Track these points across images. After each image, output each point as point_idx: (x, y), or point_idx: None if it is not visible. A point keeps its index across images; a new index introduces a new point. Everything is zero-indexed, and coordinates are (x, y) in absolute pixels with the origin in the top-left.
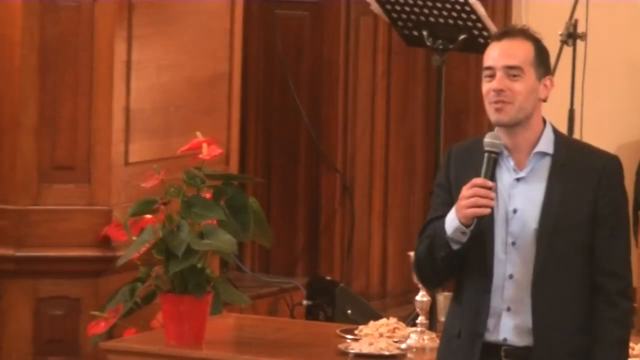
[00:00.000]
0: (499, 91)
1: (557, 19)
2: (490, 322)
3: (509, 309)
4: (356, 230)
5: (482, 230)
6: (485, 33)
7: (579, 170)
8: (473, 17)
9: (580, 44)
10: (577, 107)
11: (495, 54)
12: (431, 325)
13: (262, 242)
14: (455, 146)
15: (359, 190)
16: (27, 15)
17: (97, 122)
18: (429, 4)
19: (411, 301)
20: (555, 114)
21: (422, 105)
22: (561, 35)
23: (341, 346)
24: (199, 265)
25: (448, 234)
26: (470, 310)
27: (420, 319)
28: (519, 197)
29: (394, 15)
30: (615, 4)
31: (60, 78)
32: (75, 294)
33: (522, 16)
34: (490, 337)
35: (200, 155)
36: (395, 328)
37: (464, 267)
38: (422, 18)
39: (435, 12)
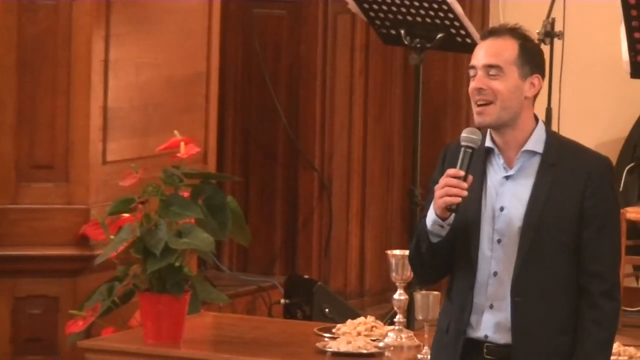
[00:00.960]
0: (479, 89)
1: (534, 17)
2: (474, 319)
3: (491, 306)
4: (334, 228)
5: (469, 226)
6: (462, 32)
7: (567, 170)
8: (450, 15)
9: (557, 42)
10: (554, 105)
11: (478, 53)
12: (409, 324)
13: (240, 240)
14: (450, 144)
15: (337, 189)
16: (5, 14)
17: (75, 121)
18: (407, 2)
19: (389, 300)
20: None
21: (400, 104)
22: (538, 34)
23: (319, 345)
24: (177, 264)
25: (428, 227)
26: (457, 306)
27: (398, 318)
28: (507, 195)
29: (372, 14)
30: (592, 3)
31: (38, 77)
32: (53, 292)
33: (499, 15)
34: (473, 333)
35: (178, 154)
36: (373, 326)
37: (454, 263)
38: (400, 17)
39: (412, 10)
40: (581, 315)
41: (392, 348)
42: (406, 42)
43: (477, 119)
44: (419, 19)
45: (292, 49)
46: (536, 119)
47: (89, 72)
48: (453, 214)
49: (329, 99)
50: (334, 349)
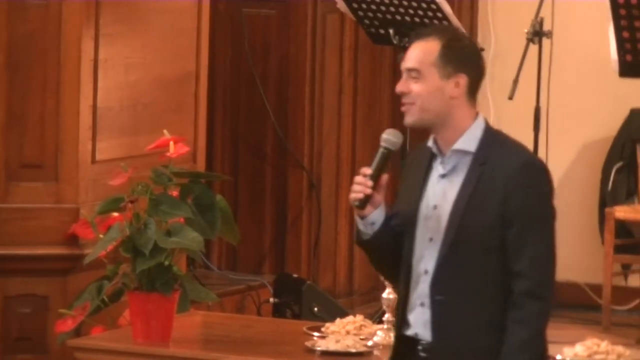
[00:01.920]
0: (400, 93)
1: (523, 17)
2: (409, 317)
3: (422, 304)
4: (323, 227)
5: (408, 225)
6: None
7: (493, 169)
8: (439, 15)
9: (546, 41)
10: (543, 104)
11: (405, 56)
12: None
13: (229, 239)
14: (412, 150)
15: (326, 188)
16: None
17: (64, 120)
18: (395, 2)
19: (378, 299)
20: (521, 111)
21: (389, 103)
22: (527, 33)
23: (308, 344)
24: (166, 263)
25: (357, 225)
26: (398, 304)
27: (387, 317)
28: (440, 194)
29: (361, 13)
30: (581, 2)
31: (27, 76)
32: (43, 292)
33: (488, 14)
34: (408, 331)
35: (168, 154)
36: (361, 325)
37: None
38: (389, 16)
39: (401, 10)
40: (506, 314)
41: (381, 347)
42: (395, 42)
43: (404, 119)
44: (407, 18)
45: (281, 48)
46: (476, 118)
47: (79, 72)
48: (376, 212)
49: (318, 98)
50: (323, 348)
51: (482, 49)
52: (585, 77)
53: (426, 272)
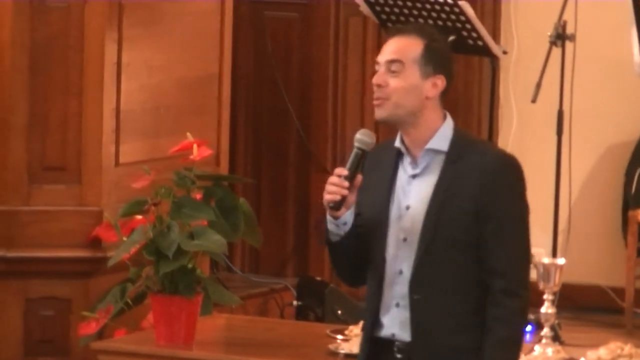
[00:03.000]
0: (377, 86)
1: (546, 20)
2: (383, 318)
3: (397, 305)
4: None
5: (377, 226)
6: (474, 34)
7: (467, 168)
8: (462, 18)
9: (569, 45)
10: (566, 108)
11: (384, 49)
12: None
13: (252, 242)
14: (373, 149)
15: None
16: (17, 16)
17: (87, 123)
18: (418, 5)
19: None
20: (544, 115)
21: None
22: (550, 36)
23: (331, 346)
24: (189, 266)
25: (327, 226)
26: (369, 305)
27: None
28: (413, 194)
29: (383, 16)
30: (604, 5)
31: (50, 79)
32: (65, 294)
33: (511, 17)
34: (382, 332)
35: (191, 156)
36: None
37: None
38: (412, 19)
39: (424, 13)
40: (486, 313)
41: None
42: None
43: (375, 112)
44: (430, 21)
45: (304, 51)
46: (445, 118)
47: (101, 74)
48: (349, 213)
49: (341, 101)
50: (346, 351)
51: (505, 52)
52: (609, 80)
53: (401, 272)
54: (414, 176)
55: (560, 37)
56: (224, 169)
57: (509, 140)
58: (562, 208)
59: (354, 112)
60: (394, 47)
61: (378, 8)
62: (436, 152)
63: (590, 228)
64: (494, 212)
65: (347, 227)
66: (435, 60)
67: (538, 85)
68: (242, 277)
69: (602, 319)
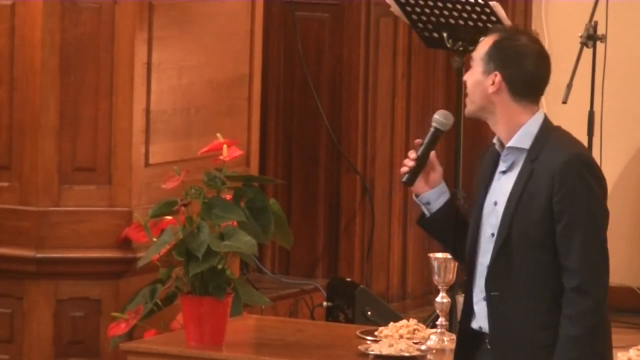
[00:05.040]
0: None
1: (577, 20)
2: (474, 310)
3: (484, 298)
4: (376, 231)
5: (473, 220)
6: None
7: (543, 166)
8: (493, 18)
9: (600, 45)
10: (597, 109)
11: None
12: (451, 327)
13: (282, 243)
14: (486, 149)
15: (379, 192)
16: (47, 16)
17: (117, 123)
18: (449, 5)
19: (431, 303)
20: (575, 115)
21: (442, 107)
22: (581, 37)
23: (361, 347)
24: (219, 267)
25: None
26: (465, 298)
27: (440, 321)
28: (499, 190)
29: (414, 17)
30: (635, 6)
31: (80, 79)
32: (95, 295)
33: (542, 18)
34: (474, 323)
35: (221, 157)
36: (415, 329)
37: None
38: (442, 20)
39: (455, 13)
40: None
41: (434, 351)
42: (448, 45)
43: None
44: (461, 22)
45: (335, 52)
46: (532, 115)
47: (132, 75)
48: (431, 193)
49: (372, 102)
50: (376, 352)
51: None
52: (639, 80)
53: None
54: (503, 172)
55: (591, 37)
56: (254, 169)
57: None
58: None
59: (384, 113)
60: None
61: (409, 8)
62: (519, 149)
63: (621, 229)
64: (564, 210)
65: (432, 208)
66: (496, 57)
67: (569, 86)
68: (272, 278)
69: (632, 320)
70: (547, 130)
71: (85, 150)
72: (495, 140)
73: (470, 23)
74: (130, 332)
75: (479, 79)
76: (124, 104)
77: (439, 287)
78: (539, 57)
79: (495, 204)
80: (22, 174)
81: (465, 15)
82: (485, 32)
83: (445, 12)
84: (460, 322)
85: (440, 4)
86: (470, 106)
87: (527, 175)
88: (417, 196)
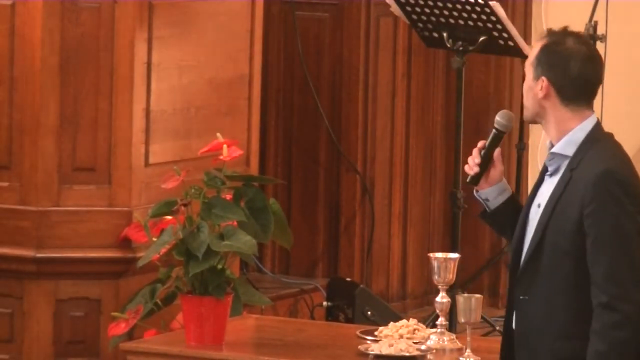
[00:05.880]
0: None
1: (577, 20)
2: (514, 312)
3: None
4: (376, 231)
5: (521, 220)
6: (505, 35)
7: (580, 177)
8: (493, 18)
9: (600, 45)
10: (596, 109)
11: None
12: (451, 327)
13: (282, 243)
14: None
15: (379, 192)
16: (47, 16)
17: (117, 123)
18: (449, 5)
19: (431, 302)
20: None
21: (442, 107)
22: None
23: (361, 347)
24: (219, 267)
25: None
26: (508, 298)
27: (440, 320)
28: (544, 194)
29: (414, 16)
30: (635, 6)
31: (80, 79)
32: (95, 295)
33: (542, 18)
34: (514, 325)
35: (221, 157)
36: (415, 329)
37: None
38: (442, 19)
39: (455, 13)
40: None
41: (434, 351)
42: (448, 45)
43: None
44: (461, 21)
45: (335, 51)
46: (581, 120)
47: (132, 75)
48: (491, 190)
49: (371, 101)
50: (376, 352)
51: None
52: (639, 81)
53: None
54: (550, 175)
55: (591, 37)
56: (254, 169)
57: (540, 140)
58: None
59: (384, 113)
60: None
61: (409, 8)
62: (562, 156)
63: None
64: (592, 225)
65: (491, 205)
66: (543, 62)
67: None
68: (272, 278)
69: None
70: (593, 138)
71: (85, 150)
72: (547, 143)
73: (470, 23)
74: (130, 332)
75: (530, 84)
76: (123, 103)
77: (439, 287)
78: (585, 59)
79: (539, 206)
80: (22, 174)
81: (465, 15)
82: (485, 32)
83: (445, 12)
84: (504, 322)
85: (440, 4)
86: (526, 112)
87: (565, 184)
88: (477, 192)
